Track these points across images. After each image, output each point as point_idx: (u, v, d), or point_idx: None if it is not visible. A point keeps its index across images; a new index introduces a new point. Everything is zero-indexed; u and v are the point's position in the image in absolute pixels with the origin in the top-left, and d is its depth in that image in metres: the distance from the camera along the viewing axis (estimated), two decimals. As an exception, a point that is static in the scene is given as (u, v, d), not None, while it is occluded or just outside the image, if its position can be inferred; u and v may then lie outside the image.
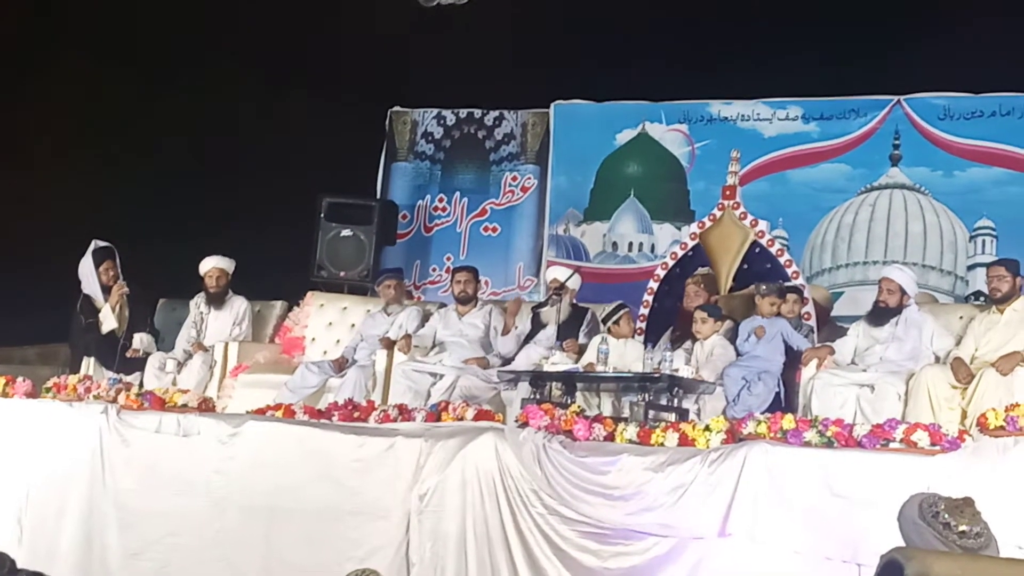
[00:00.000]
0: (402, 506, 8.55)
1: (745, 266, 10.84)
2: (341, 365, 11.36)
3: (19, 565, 5.16)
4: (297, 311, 12.66)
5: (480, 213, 14.75)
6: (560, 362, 9.95)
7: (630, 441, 8.26)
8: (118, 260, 12.32)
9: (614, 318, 10.44)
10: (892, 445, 7.58)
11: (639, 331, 10.86)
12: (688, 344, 10.18)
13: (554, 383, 9.71)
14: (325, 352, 12.12)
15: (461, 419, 8.96)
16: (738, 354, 9.93)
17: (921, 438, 7.51)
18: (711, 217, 11.09)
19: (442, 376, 10.65)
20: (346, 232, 13.69)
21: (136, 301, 12.32)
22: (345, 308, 12.64)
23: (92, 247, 12.26)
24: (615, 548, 7.93)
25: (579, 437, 8.36)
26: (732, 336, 10.08)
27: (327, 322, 12.51)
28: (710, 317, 10.08)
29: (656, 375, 9.21)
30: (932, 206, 12.99)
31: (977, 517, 4.46)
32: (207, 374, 11.73)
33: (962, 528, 4.38)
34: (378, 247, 13.81)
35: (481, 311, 11.40)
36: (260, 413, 9.70)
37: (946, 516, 4.41)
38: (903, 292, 9.80)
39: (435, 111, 15.11)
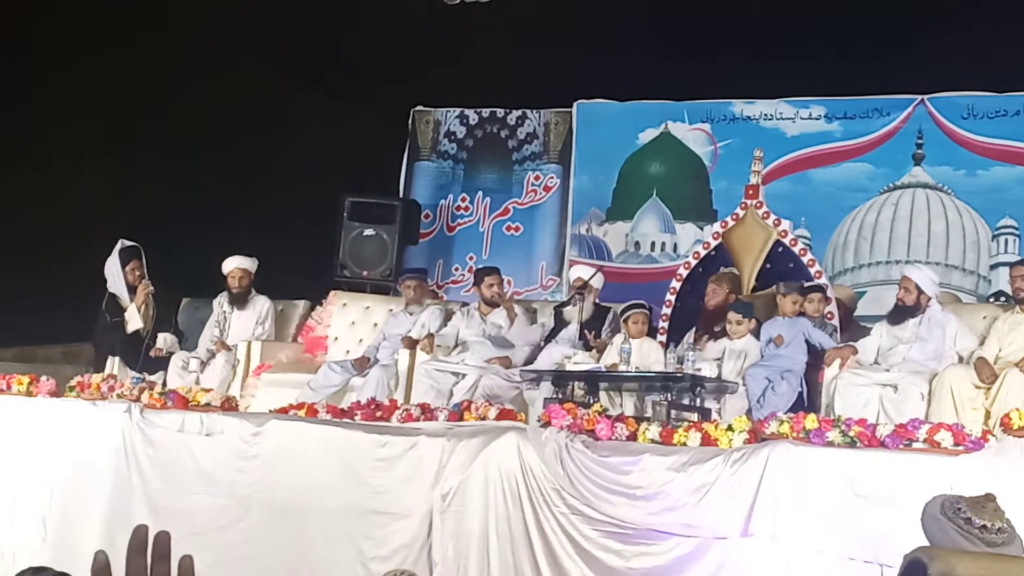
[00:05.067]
0: (425, 505, 8.56)
1: (768, 265, 10.83)
2: (363, 364, 11.38)
3: (43, 565, 5.18)
4: (320, 310, 12.68)
5: (503, 212, 14.75)
6: (582, 361, 9.96)
7: (652, 441, 8.26)
8: (144, 260, 12.35)
9: (623, 317, 10.48)
10: (915, 445, 7.58)
11: (661, 331, 10.85)
12: (711, 344, 10.19)
13: (576, 382, 9.72)
14: (348, 351, 12.14)
15: (483, 418, 8.97)
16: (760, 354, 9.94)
17: (944, 438, 7.51)
18: (734, 216, 11.07)
19: (464, 375, 10.67)
20: (369, 232, 13.69)
21: (161, 301, 12.36)
22: (368, 307, 12.66)
23: (119, 246, 12.31)
24: (638, 548, 7.94)
25: (601, 436, 8.37)
26: (755, 335, 10.09)
27: (350, 321, 12.54)
28: (740, 315, 10.08)
29: (679, 375, 9.22)
30: (955, 205, 12.95)
31: (999, 513, 4.45)
32: (230, 373, 11.76)
33: (983, 523, 4.37)
34: (401, 247, 13.80)
35: (503, 310, 11.40)
36: (283, 412, 9.72)
37: (967, 512, 4.40)
38: (920, 290, 9.79)
39: (458, 110, 15.11)
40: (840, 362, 9.61)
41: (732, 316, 10.13)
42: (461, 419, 9.03)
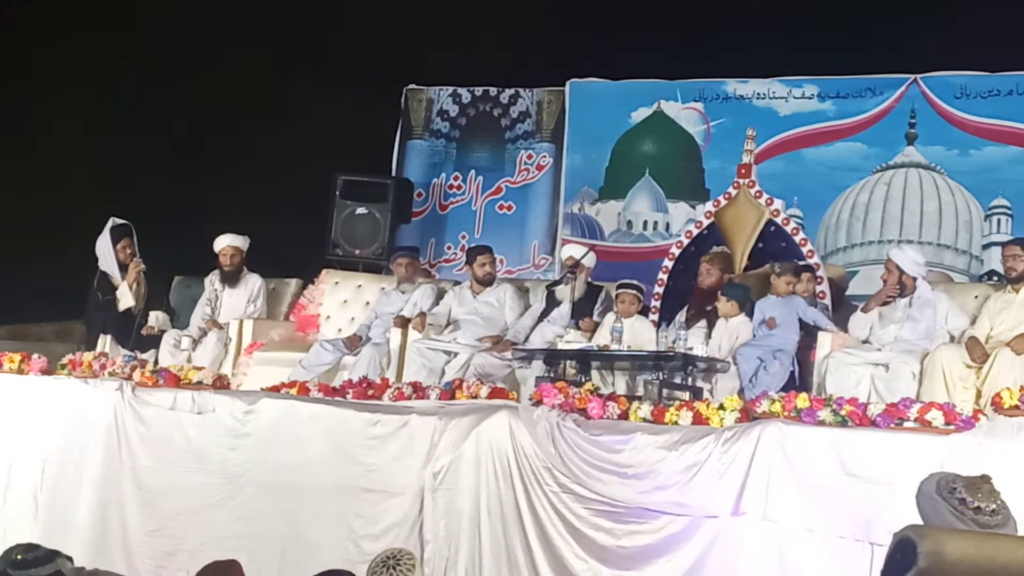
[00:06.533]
0: (416, 484, 8.58)
1: (760, 245, 10.82)
2: (355, 343, 11.38)
3: (34, 542, 5.18)
4: (312, 289, 12.67)
5: (495, 191, 14.75)
6: (574, 340, 9.95)
7: (644, 420, 8.26)
8: (135, 238, 12.34)
9: (613, 294, 10.49)
10: (906, 424, 7.56)
11: (653, 310, 10.85)
12: (703, 323, 10.18)
13: (568, 361, 9.72)
14: (340, 330, 12.14)
15: (475, 397, 8.97)
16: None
17: (935, 417, 7.50)
18: (726, 196, 11.06)
19: (456, 354, 10.67)
20: (361, 210, 13.69)
21: (152, 279, 12.34)
22: (360, 286, 12.65)
23: (110, 224, 12.29)
24: (629, 526, 7.95)
25: (593, 415, 8.36)
26: (749, 313, 10.08)
27: (342, 300, 12.53)
28: (726, 298, 10.07)
29: (670, 354, 9.21)
30: (948, 185, 12.97)
31: (994, 495, 4.44)
32: (222, 351, 11.74)
33: (978, 504, 4.36)
34: (393, 225, 13.80)
35: (496, 289, 11.41)
36: (275, 390, 9.72)
37: (962, 492, 4.39)
38: (901, 271, 9.79)
39: (451, 89, 15.10)
40: (832, 340, 9.63)
41: (720, 297, 10.12)
42: (453, 397, 9.02)
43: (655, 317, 10.73)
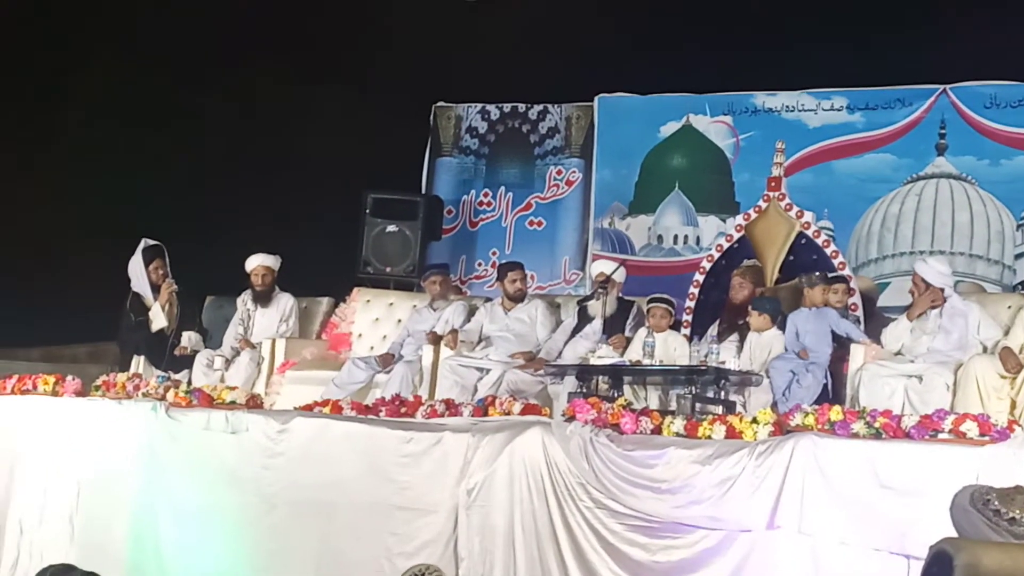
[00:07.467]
0: (450, 501, 8.57)
1: (791, 257, 10.81)
2: (388, 361, 11.39)
3: (70, 563, 5.21)
4: (343, 307, 12.71)
5: (525, 207, 14.75)
6: (606, 356, 9.95)
7: (677, 434, 8.24)
8: (167, 258, 12.38)
9: (645, 309, 10.48)
10: (941, 436, 7.54)
11: (685, 324, 10.84)
12: (735, 336, 10.17)
13: (601, 377, 9.72)
14: (372, 348, 12.16)
15: (508, 413, 8.95)
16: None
17: (970, 429, 7.47)
18: (756, 209, 11.06)
19: (488, 371, 10.67)
20: (392, 228, 13.71)
21: (184, 299, 12.39)
22: (391, 304, 12.68)
23: (142, 245, 12.34)
24: (663, 541, 7.94)
25: (626, 430, 8.35)
26: (781, 327, 10.06)
27: (373, 318, 12.56)
28: (757, 312, 10.05)
29: (703, 368, 9.21)
30: (979, 195, 12.90)
31: (1029, 505, 4.44)
32: (255, 371, 11.79)
33: (1012, 515, 4.36)
34: (424, 242, 13.83)
35: (528, 305, 11.42)
36: (308, 409, 9.71)
37: (997, 503, 4.39)
38: (927, 284, 9.78)
39: (479, 106, 15.11)
40: (865, 352, 9.61)
41: (752, 311, 10.11)
42: (486, 414, 9.01)
43: (687, 331, 10.73)
